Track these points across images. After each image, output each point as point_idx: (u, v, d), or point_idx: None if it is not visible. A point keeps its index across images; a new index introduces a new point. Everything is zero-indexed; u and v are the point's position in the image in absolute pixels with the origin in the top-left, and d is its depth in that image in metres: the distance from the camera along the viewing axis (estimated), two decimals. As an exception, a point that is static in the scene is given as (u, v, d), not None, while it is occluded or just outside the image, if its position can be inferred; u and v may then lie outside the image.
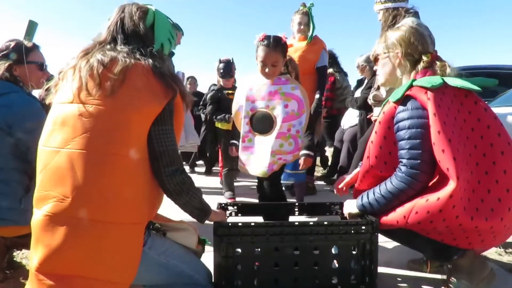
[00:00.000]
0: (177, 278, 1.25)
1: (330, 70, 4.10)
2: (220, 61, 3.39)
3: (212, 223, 1.40)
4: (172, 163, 1.16)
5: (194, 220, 1.32)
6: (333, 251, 1.49)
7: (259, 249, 1.46)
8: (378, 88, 2.79)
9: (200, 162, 5.14)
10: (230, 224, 1.43)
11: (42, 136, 1.15)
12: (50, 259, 1.04)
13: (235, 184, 3.47)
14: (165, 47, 1.30)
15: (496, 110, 1.63)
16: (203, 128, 3.98)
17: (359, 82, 3.91)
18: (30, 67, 1.70)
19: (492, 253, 1.90)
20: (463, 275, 1.40)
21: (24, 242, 1.48)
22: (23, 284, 1.42)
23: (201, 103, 4.39)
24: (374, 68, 1.83)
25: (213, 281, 1.38)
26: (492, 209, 1.33)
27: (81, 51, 1.21)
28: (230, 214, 1.86)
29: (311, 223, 1.46)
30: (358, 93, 3.62)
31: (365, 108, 3.34)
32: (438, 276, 1.60)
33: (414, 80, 1.45)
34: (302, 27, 3.22)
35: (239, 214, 1.88)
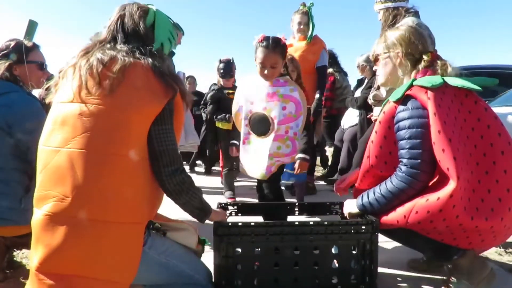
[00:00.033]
0: (177, 278, 1.25)
1: (330, 70, 4.10)
2: (220, 61, 3.38)
3: (212, 223, 1.40)
4: (172, 163, 1.16)
5: (195, 219, 1.32)
6: (333, 251, 1.49)
7: (259, 249, 1.46)
8: (378, 87, 2.78)
9: (200, 161, 5.14)
10: (230, 224, 1.43)
11: (42, 136, 1.15)
12: (50, 258, 1.04)
13: (235, 184, 3.47)
14: (165, 47, 1.30)
15: (496, 109, 1.63)
16: (203, 128, 3.98)
17: (359, 82, 3.91)
18: (30, 67, 1.70)
19: (492, 253, 1.90)
20: (463, 275, 1.39)
21: (24, 241, 1.48)
22: (23, 283, 1.42)
23: (202, 102, 4.39)
24: (374, 68, 1.83)
25: (213, 281, 1.38)
26: (492, 209, 1.33)
27: (81, 50, 1.21)
28: (230, 214, 1.86)
29: (311, 222, 1.46)
30: (358, 93, 3.62)
31: (365, 107, 3.34)
32: (438, 276, 1.60)
33: (414, 79, 1.45)
34: (302, 26, 3.22)
35: (239, 214, 1.88)
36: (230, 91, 3.29)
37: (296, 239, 1.44)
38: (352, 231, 1.45)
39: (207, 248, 1.43)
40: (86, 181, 1.05)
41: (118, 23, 1.23)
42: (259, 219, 1.89)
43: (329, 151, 4.76)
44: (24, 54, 1.67)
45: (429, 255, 1.65)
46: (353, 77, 11.31)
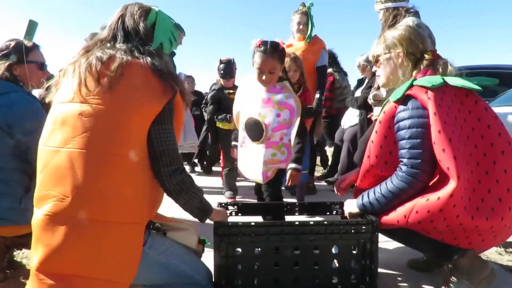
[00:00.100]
0: (177, 278, 1.25)
1: (329, 70, 4.09)
2: (221, 61, 3.36)
3: (212, 222, 1.40)
4: (172, 163, 1.16)
5: (195, 219, 1.32)
6: (333, 250, 1.49)
7: (259, 249, 1.45)
8: (378, 87, 2.78)
9: (200, 161, 5.13)
10: (230, 223, 1.43)
11: (42, 136, 1.15)
12: (50, 258, 1.04)
13: (236, 184, 3.46)
14: (165, 47, 1.30)
15: (497, 109, 1.63)
16: (204, 128, 3.98)
17: (360, 82, 3.91)
18: (30, 67, 1.70)
19: (492, 252, 1.90)
20: (463, 275, 1.39)
21: (24, 241, 1.48)
22: (24, 283, 1.42)
23: (203, 102, 4.39)
24: (373, 69, 1.83)
25: (213, 280, 1.38)
26: (492, 209, 1.33)
27: (82, 48, 1.21)
28: (230, 214, 1.86)
29: (311, 222, 1.46)
30: (358, 93, 3.62)
31: (365, 107, 3.34)
32: (438, 276, 1.60)
33: (414, 79, 1.45)
34: (301, 26, 3.22)
35: (239, 214, 1.88)
36: (231, 91, 3.28)
37: (296, 239, 1.44)
38: (352, 231, 1.45)
39: (207, 248, 1.43)
40: (86, 181, 1.05)
41: (119, 22, 1.24)
42: (259, 219, 1.89)
43: (329, 151, 4.76)
44: (24, 54, 1.67)
45: (429, 255, 1.66)
46: (353, 77, 11.30)
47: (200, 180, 4.07)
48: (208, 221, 1.35)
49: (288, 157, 1.91)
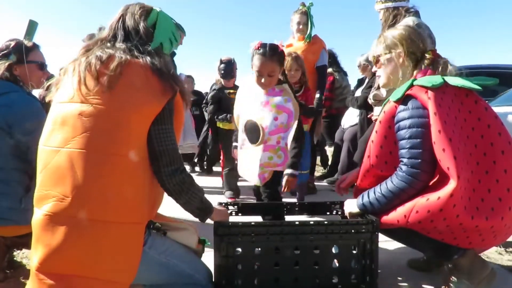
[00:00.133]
0: (177, 277, 1.25)
1: (329, 70, 4.09)
2: (221, 61, 3.35)
3: (212, 222, 1.40)
4: (172, 163, 1.16)
5: (196, 219, 1.32)
6: (333, 250, 1.49)
7: (259, 249, 1.45)
8: (379, 87, 2.78)
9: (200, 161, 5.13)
10: (230, 223, 1.43)
11: (42, 136, 1.15)
12: (50, 258, 1.04)
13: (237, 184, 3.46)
14: (165, 47, 1.30)
15: (497, 109, 1.63)
16: (205, 128, 3.98)
17: (360, 82, 3.91)
18: (30, 67, 1.70)
19: (493, 252, 1.90)
20: (464, 275, 1.39)
21: (24, 241, 1.48)
22: (24, 283, 1.42)
23: (203, 102, 4.38)
24: (373, 69, 1.83)
25: (213, 280, 1.38)
26: (492, 209, 1.33)
27: (82, 47, 1.22)
28: (230, 214, 1.86)
29: (312, 222, 1.46)
30: (358, 93, 3.62)
31: (365, 107, 3.34)
32: (438, 276, 1.60)
33: (414, 79, 1.45)
34: (301, 26, 3.22)
35: (239, 214, 1.88)
36: (231, 91, 3.28)
37: (296, 238, 1.44)
38: (353, 231, 1.45)
39: (207, 248, 1.43)
40: (86, 181, 1.05)
41: (120, 21, 1.24)
42: (259, 219, 1.89)
43: (329, 151, 4.76)
44: (24, 54, 1.67)
45: (430, 255, 1.65)
46: (353, 77, 11.30)
47: (200, 180, 4.07)
48: (208, 221, 1.35)
49: (284, 160, 1.90)
